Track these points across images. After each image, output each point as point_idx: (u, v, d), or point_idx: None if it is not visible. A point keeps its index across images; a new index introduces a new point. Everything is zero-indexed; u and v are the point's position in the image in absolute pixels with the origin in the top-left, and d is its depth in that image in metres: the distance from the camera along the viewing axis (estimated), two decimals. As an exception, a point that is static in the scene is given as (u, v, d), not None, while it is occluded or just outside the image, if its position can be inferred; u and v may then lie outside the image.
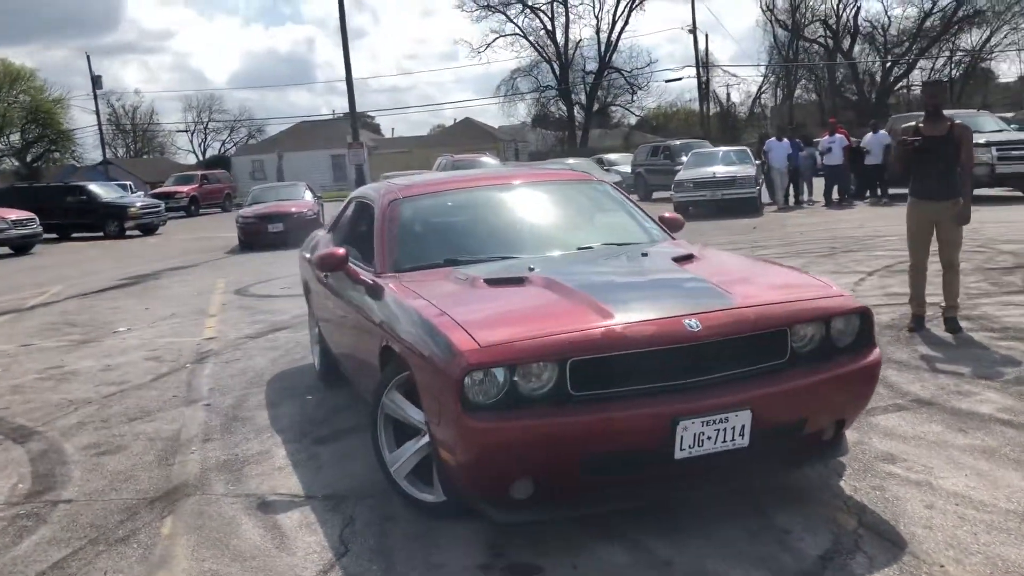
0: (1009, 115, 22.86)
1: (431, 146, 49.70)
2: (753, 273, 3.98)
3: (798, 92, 54.48)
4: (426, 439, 3.40)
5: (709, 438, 3.02)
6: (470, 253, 4.25)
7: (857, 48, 49.88)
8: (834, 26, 49.79)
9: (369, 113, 72.43)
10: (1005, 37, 47.07)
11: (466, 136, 52.01)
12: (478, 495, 3.18)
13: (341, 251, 4.39)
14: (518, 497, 3.08)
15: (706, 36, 71.26)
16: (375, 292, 3.98)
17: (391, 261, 4.22)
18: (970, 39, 48.00)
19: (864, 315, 3.38)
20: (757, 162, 19.41)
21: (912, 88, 50.03)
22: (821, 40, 50.97)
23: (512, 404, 2.97)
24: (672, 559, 3.06)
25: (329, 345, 5.50)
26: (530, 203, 4.95)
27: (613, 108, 58.38)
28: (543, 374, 2.98)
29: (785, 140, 18.79)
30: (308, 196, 19.10)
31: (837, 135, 18.10)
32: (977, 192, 16.96)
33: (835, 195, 18.05)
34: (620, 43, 53.05)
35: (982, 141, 16.57)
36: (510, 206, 4.86)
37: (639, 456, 3.08)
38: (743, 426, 3.04)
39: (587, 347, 2.99)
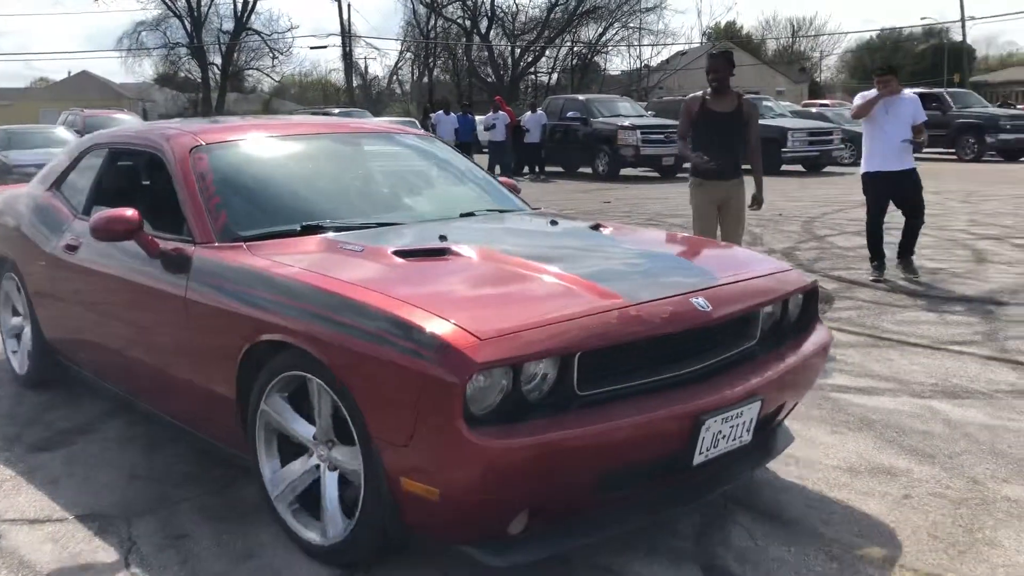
0: (643, 103, 25.23)
1: (39, 100, 43.86)
2: (686, 246, 3.80)
3: (436, 72, 56.00)
4: (315, 461, 2.79)
5: (724, 436, 2.66)
6: (327, 217, 3.44)
7: (493, 33, 52.40)
8: (471, 7, 51.74)
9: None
10: (616, 33, 52.18)
11: (85, 91, 46.71)
12: (473, 536, 2.51)
13: (130, 213, 3.32)
14: (515, 531, 2.48)
15: (348, 6, 70.32)
16: (216, 269, 3.09)
17: (218, 227, 3.28)
18: (588, 33, 52.51)
19: (813, 291, 3.25)
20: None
21: (538, 73, 53.75)
22: (459, 21, 52.76)
23: (511, 413, 2.36)
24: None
25: (58, 340, 4.28)
26: (375, 158, 4.21)
27: (249, 72, 55.85)
28: (547, 372, 2.42)
29: (452, 114, 19.09)
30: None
31: (501, 112, 18.77)
32: (624, 172, 18.88)
33: (497, 171, 18.72)
34: (259, 5, 50.60)
35: (627, 124, 18.17)
36: (354, 160, 4.10)
37: (658, 464, 2.63)
38: (751, 420, 2.74)
39: (601, 335, 2.47)
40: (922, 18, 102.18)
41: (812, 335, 3.18)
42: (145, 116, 39.60)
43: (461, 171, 4.39)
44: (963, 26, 43.70)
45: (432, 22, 52.17)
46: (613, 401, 2.48)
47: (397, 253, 2.96)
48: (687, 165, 6.30)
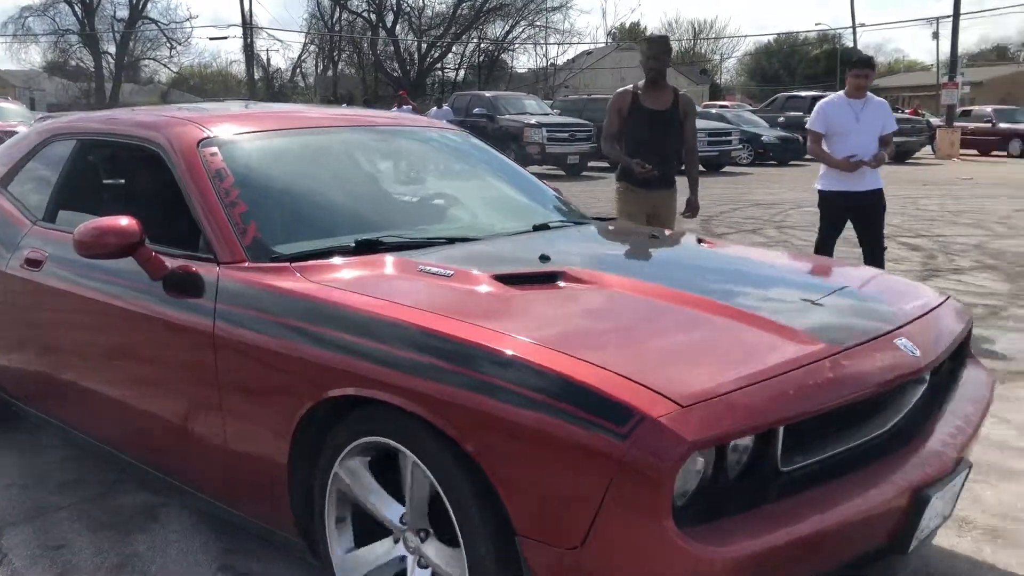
0: (549, 101, 25.38)
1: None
2: (834, 268, 3.34)
3: (341, 65, 55.21)
4: (402, 550, 2.23)
5: (938, 513, 2.17)
6: (378, 229, 2.84)
7: (399, 27, 51.94)
8: (377, 1, 51.17)
9: None
10: (523, 31, 52.39)
11: (-35, 78, 44.25)
12: None
13: (126, 223, 2.58)
14: None
15: (249, -4, 68.37)
16: (257, 299, 2.43)
17: (247, 242, 2.61)
18: (495, 30, 52.56)
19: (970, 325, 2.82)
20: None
21: (444, 69, 53.55)
22: (365, 15, 52.12)
23: (708, 502, 1.83)
24: None
25: (10, 380, 3.47)
26: (414, 157, 3.68)
27: (145, 62, 54.00)
28: (747, 443, 1.90)
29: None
30: None
31: (405, 107, 18.63)
32: (530, 170, 18.91)
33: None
34: (155, -8, 48.97)
35: (533, 122, 18.25)
36: (393, 160, 3.54)
37: (871, 555, 2.07)
38: (959, 488, 2.28)
39: (819, 392, 1.97)
40: (816, 24, 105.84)
41: (973, 374, 2.70)
42: (32, 106, 37.83)
43: (510, 173, 3.79)
44: (854, 32, 45.39)
45: (337, 15, 51.38)
46: (822, 477, 1.97)
47: (499, 279, 2.39)
48: (595, 164, 5.83)
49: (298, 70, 56.73)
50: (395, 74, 52.11)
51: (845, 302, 2.53)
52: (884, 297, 2.65)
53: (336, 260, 2.57)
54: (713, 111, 24.41)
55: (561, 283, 2.43)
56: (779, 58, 63.47)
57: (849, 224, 5.64)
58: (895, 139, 5.97)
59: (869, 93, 5.55)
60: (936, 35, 41.02)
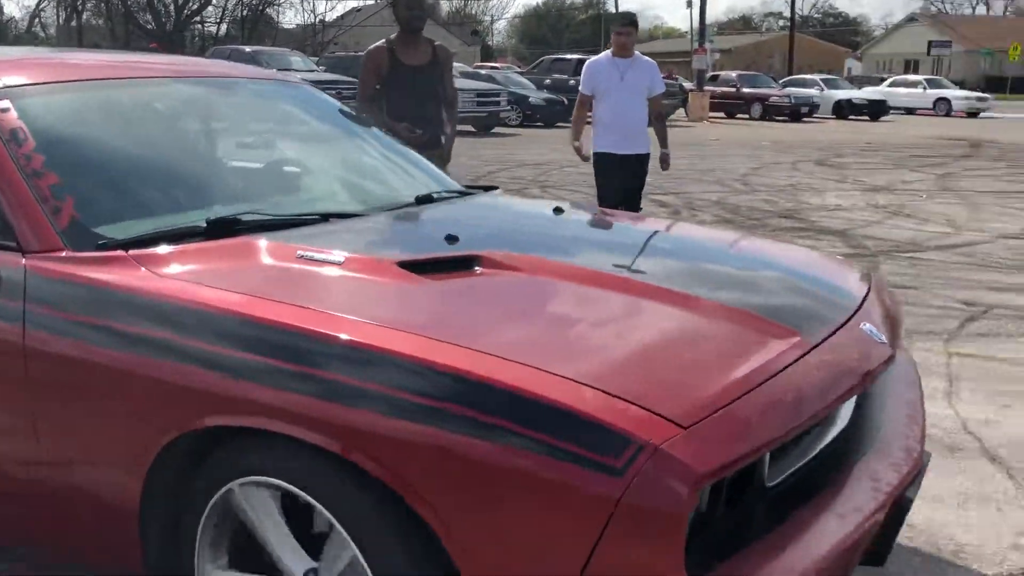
0: (316, 58, 24.52)
1: None
2: (752, 244, 3.03)
3: (86, 15, 50.77)
4: None
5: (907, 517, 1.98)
6: (230, 204, 2.38)
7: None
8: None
9: None
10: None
11: None
12: None
13: None
14: None
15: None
16: (86, 299, 1.90)
17: (63, 225, 2.04)
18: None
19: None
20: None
21: (205, 23, 50.60)
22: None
23: (703, 536, 1.53)
24: None
25: None
26: (261, 115, 3.09)
27: None
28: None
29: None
30: None
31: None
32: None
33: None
34: None
35: (296, 80, 17.61)
36: (237, 119, 3.02)
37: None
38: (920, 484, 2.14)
39: (811, 397, 1.74)
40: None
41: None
42: None
43: (370, 134, 3.27)
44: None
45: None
46: (805, 491, 1.73)
47: (406, 267, 1.97)
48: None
49: (37, 20, 51.65)
50: (149, 26, 48.60)
51: (794, 284, 2.30)
52: (826, 278, 2.44)
53: (186, 245, 2.06)
54: (483, 72, 24.63)
55: (479, 269, 2.02)
56: (548, 22, 65.11)
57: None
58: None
59: (637, 53, 5.44)
60: (690, 3, 43.53)
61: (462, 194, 2.98)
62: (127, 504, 1.83)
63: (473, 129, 19.62)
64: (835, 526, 1.68)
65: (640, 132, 5.39)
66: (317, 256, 2.01)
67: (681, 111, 26.61)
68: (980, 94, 32.19)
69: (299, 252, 2.04)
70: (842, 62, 56.98)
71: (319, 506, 1.63)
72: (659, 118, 5.59)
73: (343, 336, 1.64)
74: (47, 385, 1.91)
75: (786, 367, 1.72)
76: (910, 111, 31.36)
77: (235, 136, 2.97)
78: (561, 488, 1.41)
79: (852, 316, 2.07)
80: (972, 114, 30.28)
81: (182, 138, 2.77)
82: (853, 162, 14.30)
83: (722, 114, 27.93)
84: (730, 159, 14.49)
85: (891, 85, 33.30)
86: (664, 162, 5.60)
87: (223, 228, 2.15)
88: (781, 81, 31.47)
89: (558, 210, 2.85)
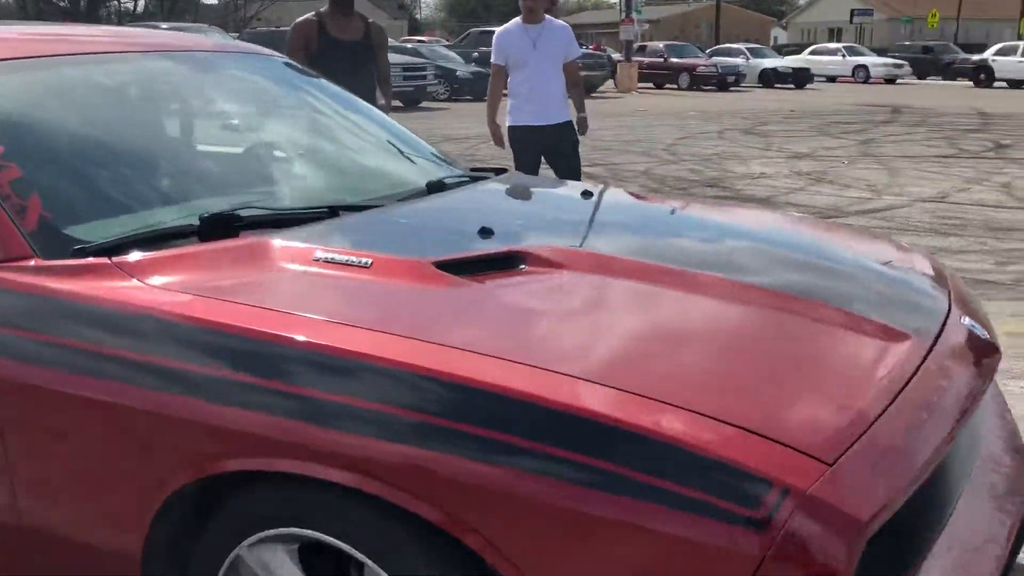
0: (236, 34, 23.92)
1: None
2: (823, 231, 2.72)
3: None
4: None
5: None
6: (218, 196, 2.07)
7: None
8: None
9: None
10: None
11: None
12: None
13: None
14: None
15: None
16: (67, 316, 1.60)
17: (35, 227, 1.73)
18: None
19: None
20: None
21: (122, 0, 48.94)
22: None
23: None
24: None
25: None
26: (247, 97, 2.75)
27: None
28: None
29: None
30: None
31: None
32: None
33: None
34: None
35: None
36: (223, 99, 2.67)
37: None
38: None
39: (944, 412, 1.50)
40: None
41: None
42: None
43: (359, 111, 2.95)
44: (543, -30, 47.01)
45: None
46: (930, 520, 1.46)
47: (444, 267, 1.70)
48: None
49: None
50: (62, 3, 46.80)
51: (882, 275, 2.06)
52: (907, 266, 2.19)
53: (181, 249, 1.75)
54: (409, 46, 24.27)
55: (524, 267, 1.75)
56: (477, -6, 64.57)
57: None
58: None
59: (549, 17, 5.18)
60: (616, -26, 43.46)
61: (472, 178, 2.64)
62: (125, 569, 1.54)
63: (400, 104, 19.33)
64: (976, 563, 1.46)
65: (558, 101, 5.16)
66: (339, 258, 1.70)
67: (610, 82, 26.62)
68: (896, 60, 32.86)
69: (317, 254, 1.73)
70: (768, 31, 57.71)
71: (367, 560, 1.36)
72: (575, 84, 5.35)
73: (400, 361, 1.35)
74: (21, 424, 1.60)
75: (912, 376, 1.47)
76: (831, 79, 31.86)
77: (217, 118, 2.64)
78: (683, 547, 1.14)
79: (950, 310, 1.83)
80: (889, 80, 30.89)
81: (157, 121, 2.45)
82: (778, 130, 14.45)
83: (651, 85, 28.01)
84: (657, 129, 14.51)
85: (812, 53, 33.80)
86: (581, 126, 5.41)
87: (219, 226, 1.83)
88: (708, 51, 31.68)
89: (587, 193, 2.55)
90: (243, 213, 1.90)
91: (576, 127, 5.34)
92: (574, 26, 5.48)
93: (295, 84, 2.92)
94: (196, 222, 1.83)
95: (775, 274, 1.91)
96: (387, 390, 1.34)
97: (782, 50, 37.09)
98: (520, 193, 2.74)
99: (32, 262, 1.67)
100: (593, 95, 23.67)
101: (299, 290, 1.67)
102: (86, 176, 2.00)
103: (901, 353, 1.55)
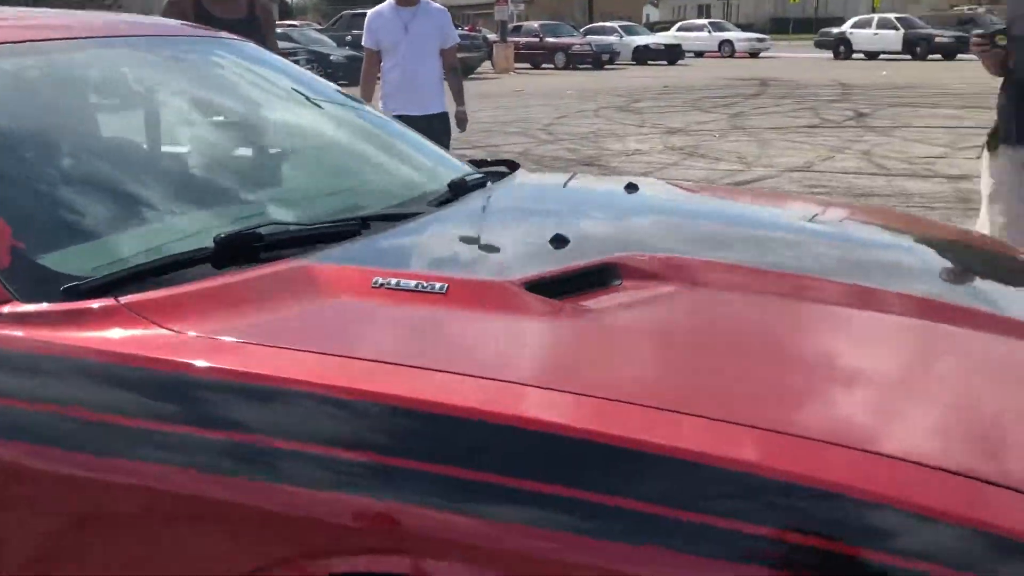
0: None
1: None
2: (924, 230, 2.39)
3: None
4: None
5: None
6: (219, 209, 1.77)
7: None
8: None
9: None
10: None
11: None
12: None
13: None
14: None
15: None
16: (80, 377, 1.24)
17: (10, 264, 1.36)
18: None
19: None
20: None
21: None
22: None
23: None
24: None
25: None
26: (228, 88, 2.35)
27: None
28: None
29: None
30: None
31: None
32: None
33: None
34: None
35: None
36: (212, 93, 2.28)
37: None
38: None
39: None
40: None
41: None
42: None
43: (346, 102, 2.58)
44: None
45: None
46: None
47: (536, 289, 1.40)
48: None
49: None
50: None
51: (993, 268, 1.93)
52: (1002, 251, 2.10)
53: (206, 281, 1.40)
54: (279, 31, 23.57)
55: (620, 283, 1.47)
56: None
57: None
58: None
59: (425, 0, 4.84)
60: (488, -46, 43.33)
61: (488, 175, 2.30)
62: None
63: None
64: None
65: (433, 90, 4.85)
66: (407, 284, 1.39)
67: (487, 63, 26.55)
68: (759, 35, 33.95)
69: (377, 280, 1.41)
70: (641, 9, 58.70)
71: None
72: (453, 71, 5.09)
73: (553, 422, 1.06)
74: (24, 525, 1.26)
75: None
76: (699, 54, 32.64)
77: (200, 114, 2.24)
78: None
79: None
80: (754, 54, 31.87)
81: (135, 120, 2.08)
82: (652, 106, 14.68)
83: (528, 65, 28.07)
84: (535, 109, 14.53)
85: (680, 30, 34.55)
86: (460, 121, 5.16)
87: (238, 249, 1.49)
88: (582, 29, 31.98)
89: (632, 187, 2.22)
90: (264, 231, 1.53)
91: (456, 120, 5.11)
92: (449, 7, 5.25)
93: (272, 71, 2.54)
94: (210, 245, 1.47)
95: (916, 279, 1.69)
96: (539, 458, 1.04)
97: (654, 27, 37.85)
98: (561, 190, 2.44)
99: (6, 308, 1.30)
100: (470, 76, 23.55)
101: (370, 330, 1.35)
102: (62, 193, 1.61)
103: None
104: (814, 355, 1.35)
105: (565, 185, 2.61)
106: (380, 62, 4.91)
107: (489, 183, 2.21)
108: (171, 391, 1.19)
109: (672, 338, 1.36)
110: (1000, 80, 3.51)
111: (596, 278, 1.46)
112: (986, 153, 3.58)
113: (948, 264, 1.94)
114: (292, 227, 1.63)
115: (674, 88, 18.38)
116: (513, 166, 2.46)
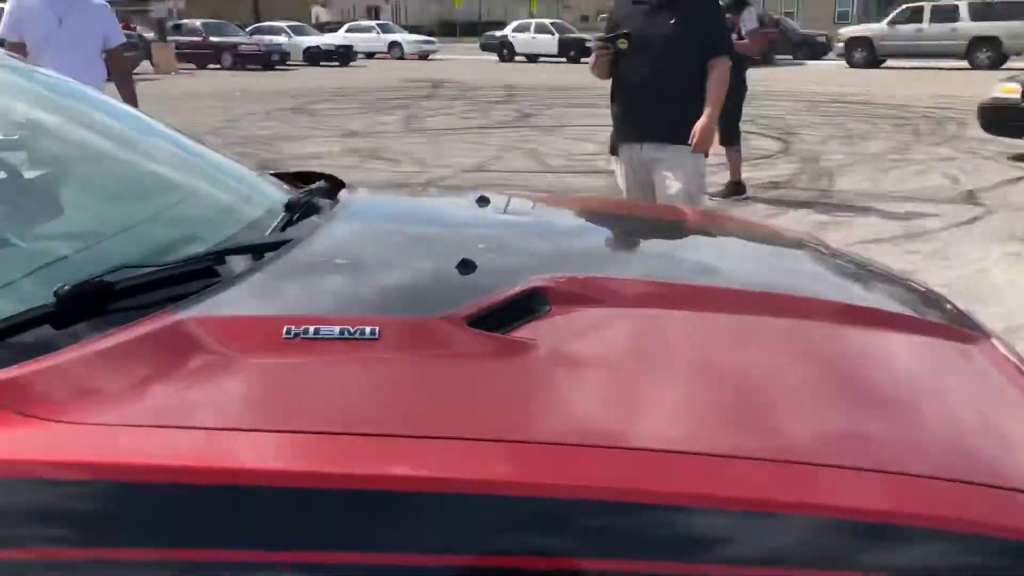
0: None
1: None
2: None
3: None
4: None
5: None
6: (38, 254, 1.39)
7: None
8: None
9: None
10: None
11: None
12: None
13: None
14: None
15: None
16: None
17: None
18: None
19: None
20: None
21: None
22: None
23: None
24: None
25: None
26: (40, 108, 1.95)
27: None
28: None
29: None
30: None
31: None
32: None
33: None
34: None
35: None
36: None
37: None
38: None
39: None
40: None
41: None
42: None
43: (115, 115, 2.13)
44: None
45: None
46: None
47: (476, 324, 1.22)
48: None
49: None
50: None
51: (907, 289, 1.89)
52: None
53: (71, 351, 1.07)
54: None
55: (553, 309, 1.33)
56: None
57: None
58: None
59: None
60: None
61: (311, 192, 1.84)
62: None
63: None
64: None
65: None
66: (328, 332, 1.16)
67: (147, 64, 24.83)
68: (427, 38, 34.93)
69: (288, 329, 1.15)
70: (308, 9, 57.91)
71: None
72: (124, 76, 4.61)
73: (536, 483, 0.93)
74: None
75: None
76: (370, 55, 32.90)
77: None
78: None
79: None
80: (423, 56, 32.72)
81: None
82: (327, 108, 14.55)
83: (193, 65, 26.64)
84: (203, 112, 13.80)
85: (349, 31, 34.59)
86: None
87: (92, 301, 1.16)
88: (248, 29, 30.91)
89: (483, 200, 2.00)
90: (111, 279, 1.20)
91: None
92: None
93: (39, 83, 2.16)
94: (53, 299, 1.14)
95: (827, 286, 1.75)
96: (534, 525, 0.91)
97: (324, 28, 37.45)
98: (419, 209, 2.25)
99: None
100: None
101: (313, 398, 1.09)
102: None
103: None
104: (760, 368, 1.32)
105: (421, 202, 2.50)
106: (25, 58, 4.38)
107: (321, 202, 1.86)
108: (64, 502, 0.92)
109: (644, 365, 1.29)
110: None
111: (524, 305, 1.33)
112: (613, 156, 4.07)
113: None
114: (146, 269, 1.29)
115: (348, 90, 18.34)
116: (336, 181, 2.08)
